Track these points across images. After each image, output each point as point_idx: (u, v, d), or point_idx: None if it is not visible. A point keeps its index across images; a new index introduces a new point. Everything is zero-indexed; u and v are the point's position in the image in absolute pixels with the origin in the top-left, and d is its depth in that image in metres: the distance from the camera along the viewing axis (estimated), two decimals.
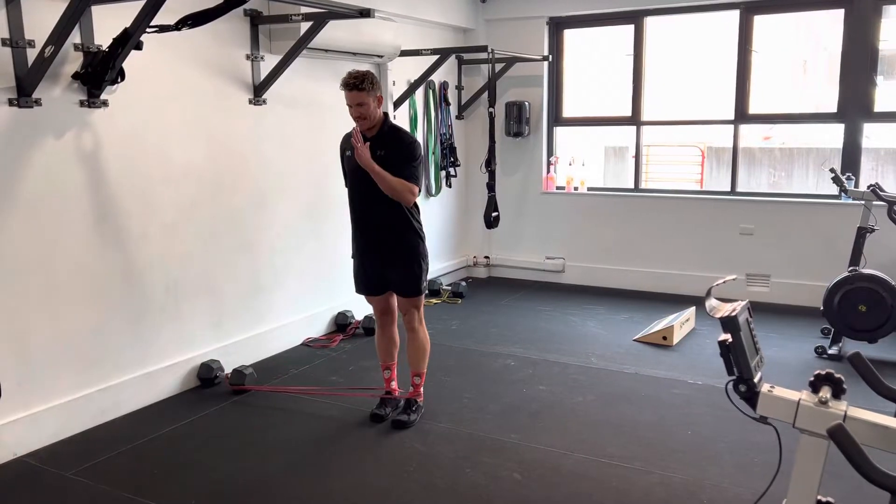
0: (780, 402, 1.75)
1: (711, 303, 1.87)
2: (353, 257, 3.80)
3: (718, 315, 1.79)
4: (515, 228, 6.95)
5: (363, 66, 5.35)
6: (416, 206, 3.67)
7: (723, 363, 1.79)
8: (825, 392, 1.72)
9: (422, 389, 3.86)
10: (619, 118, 6.60)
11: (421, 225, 3.72)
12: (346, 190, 3.77)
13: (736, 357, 1.76)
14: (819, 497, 1.78)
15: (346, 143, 3.70)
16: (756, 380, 1.79)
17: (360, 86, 3.46)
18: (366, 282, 3.78)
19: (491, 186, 5.89)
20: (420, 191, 3.63)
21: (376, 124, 3.59)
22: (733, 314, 1.76)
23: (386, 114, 3.68)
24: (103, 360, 3.77)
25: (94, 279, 3.69)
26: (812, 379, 1.76)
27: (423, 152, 4.00)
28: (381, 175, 3.46)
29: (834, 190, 5.43)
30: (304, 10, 4.19)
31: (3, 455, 3.34)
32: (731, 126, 6.07)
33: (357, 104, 3.49)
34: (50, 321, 3.50)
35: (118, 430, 3.70)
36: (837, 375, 1.74)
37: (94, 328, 3.71)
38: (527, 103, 6.64)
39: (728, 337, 1.75)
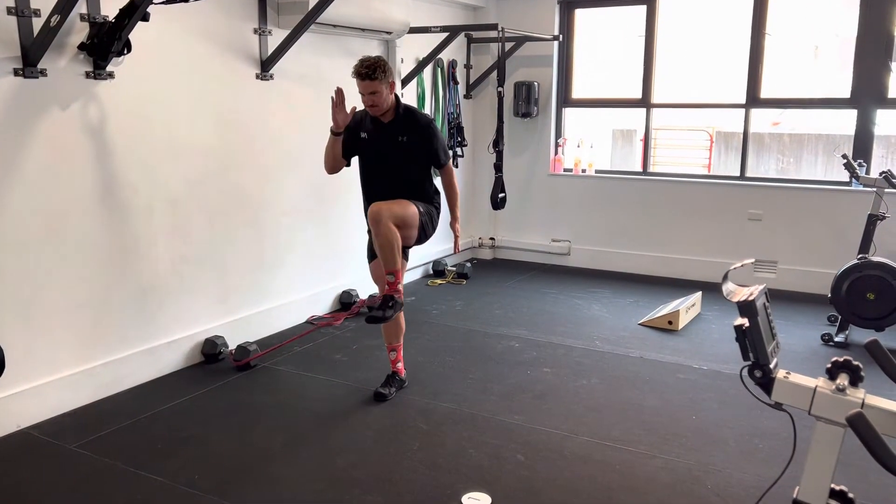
0: (796, 389, 1.72)
1: (728, 287, 1.84)
2: (368, 233, 3.77)
3: (736, 299, 1.75)
4: (522, 210, 6.90)
5: (372, 43, 5.31)
6: (435, 189, 3.77)
7: (728, 349, 1.78)
8: (843, 379, 1.69)
9: (399, 287, 3.55)
10: (629, 100, 6.52)
11: (438, 198, 3.77)
12: (338, 166, 3.74)
13: (752, 342, 1.73)
14: (832, 485, 1.76)
15: (361, 125, 3.66)
16: (772, 365, 1.76)
17: (372, 75, 3.41)
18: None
19: (498, 167, 5.84)
20: (450, 158, 3.82)
21: (389, 108, 3.56)
22: (751, 298, 1.72)
23: (397, 95, 3.63)
24: (107, 334, 3.75)
25: (99, 252, 3.66)
26: (829, 366, 1.73)
27: None
28: (457, 209, 3.84)
29: (844, 176, 5.37)
30: None
31: (6, 426, 3.34)
32: (742, 110, 6.01)
33: (370, 93, 3.46)
34: (54, 294, 3.48)
35: (121, 405, 3.69)
36: (855, 363, 1.71)
37: (98, 302, 3.69)
38: (536, 83, 6.57)
39: (745, 321, 1.72)
